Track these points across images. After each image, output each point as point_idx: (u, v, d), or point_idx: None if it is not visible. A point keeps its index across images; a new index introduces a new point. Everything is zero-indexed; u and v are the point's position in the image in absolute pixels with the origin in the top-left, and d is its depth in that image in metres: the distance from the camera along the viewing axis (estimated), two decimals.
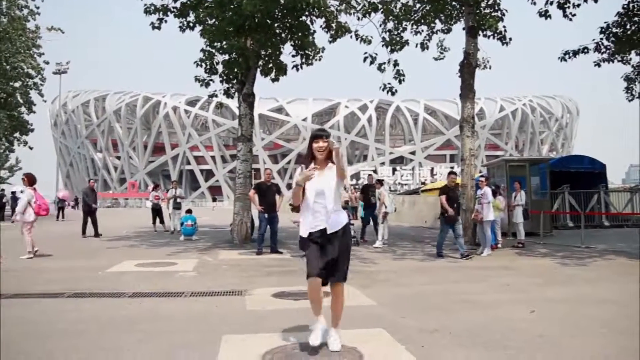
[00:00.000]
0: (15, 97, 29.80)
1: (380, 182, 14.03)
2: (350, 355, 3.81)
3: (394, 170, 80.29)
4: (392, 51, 13.35)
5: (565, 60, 14.40)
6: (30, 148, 32.10)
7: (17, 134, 31.03)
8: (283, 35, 13.42)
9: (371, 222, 13.70)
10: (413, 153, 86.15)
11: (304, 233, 3.98)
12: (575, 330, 4.57)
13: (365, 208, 14.17)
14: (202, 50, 13.57)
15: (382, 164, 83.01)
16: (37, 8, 28.90)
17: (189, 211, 15.73)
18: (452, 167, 75.50)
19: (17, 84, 29.69)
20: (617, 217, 18.32)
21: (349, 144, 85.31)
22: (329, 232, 3.91)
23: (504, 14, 13.56)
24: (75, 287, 6.74)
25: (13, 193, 33.17)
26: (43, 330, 4.68)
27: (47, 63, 30.73)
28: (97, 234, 15.27)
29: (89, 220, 15.61)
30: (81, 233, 15.42)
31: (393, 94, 13.49)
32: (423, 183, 57.49)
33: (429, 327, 4.67)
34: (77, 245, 13.09)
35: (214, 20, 12.77)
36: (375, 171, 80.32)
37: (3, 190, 33.71)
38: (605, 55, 14.55)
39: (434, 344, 4.15)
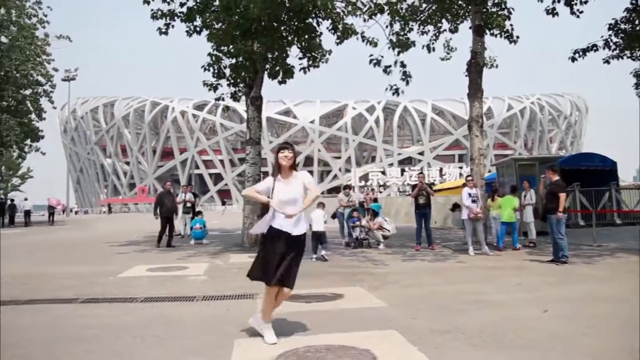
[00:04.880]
0: (25, 104, 30.12)
1: (349, 186, 15.22)
2: (363, 357, 3.81)
3: (403, 171, 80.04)
4: (399, 53, 13.33)
5: (576, 60, 14.29)
6: (43, 153, 32.44)
7: (27, 141, 31.33)
8: (290, 38, 13.44)
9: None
10: (421, 153, 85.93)
11: (264, 228, 4.32)
12: (588, 329, 4.54)
13: (415, 209, 12.38)
14: (209, 54, 13.62)
15: (391, 165, 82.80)
16: (46, 16, 29.30)
17: (198, 213, 15.77)
18: (460, 167, 75.31)
19: (27, 92, 30.03)
20: (629, 215, 18.18)
21: (357, 146, 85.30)
22: (294, 234, 4.31)
23: (510, 12, 13.53)
24: (87, 293, 6.79)
25: (12, 200, 33.50)
26: (57, 335, 4.71)
27: (57, 70, 31.08)
28: (169, 243, 13.38)
29: (167, 228, 13.54)
30: (156, 242, 13.41)
31: (398, 94, 13.46)
32: (432, 184, 57.13)
33: (441, 327, 4.65)
34: (87, 250, 13.18)
35: (220, 24, 12.82)
36: (383, 172, 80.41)
37: (12, 199, 34.05)
38: (614, 52, 14.45)
39: (447, 345, 4.14)
